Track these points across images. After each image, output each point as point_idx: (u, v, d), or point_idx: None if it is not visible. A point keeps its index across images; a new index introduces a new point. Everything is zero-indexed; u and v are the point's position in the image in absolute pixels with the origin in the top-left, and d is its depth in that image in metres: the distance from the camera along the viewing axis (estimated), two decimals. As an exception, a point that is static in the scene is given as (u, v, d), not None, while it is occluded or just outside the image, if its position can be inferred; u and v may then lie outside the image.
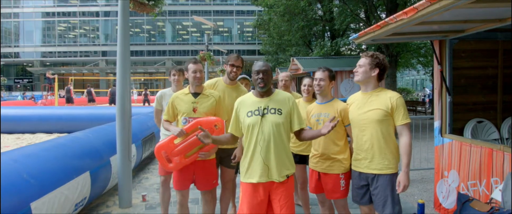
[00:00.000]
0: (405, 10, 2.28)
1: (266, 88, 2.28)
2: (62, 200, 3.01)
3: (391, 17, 2.47)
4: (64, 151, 3.50)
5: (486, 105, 3.76)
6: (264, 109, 2.26)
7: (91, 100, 18.15)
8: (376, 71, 2.41)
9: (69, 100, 18.09)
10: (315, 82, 2.68)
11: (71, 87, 19.08)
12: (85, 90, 18.75)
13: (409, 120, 2.36)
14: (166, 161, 2.72)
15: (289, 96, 2.34)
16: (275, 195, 2.24)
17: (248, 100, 2.36)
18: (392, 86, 10.94)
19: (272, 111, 2.26)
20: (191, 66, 2.83)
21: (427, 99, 19.20)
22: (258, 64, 2.32)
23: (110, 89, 18.68)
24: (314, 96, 3.36)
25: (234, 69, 3.01)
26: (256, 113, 2.26)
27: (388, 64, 2.47)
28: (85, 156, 3.70)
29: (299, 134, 2.34)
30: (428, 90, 21.60)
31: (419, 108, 15.41)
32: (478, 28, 2.92)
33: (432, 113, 13.23)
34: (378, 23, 2.66)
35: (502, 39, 3.73)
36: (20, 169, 2.72)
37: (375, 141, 2.35)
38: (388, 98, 2.34)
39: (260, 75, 2.26)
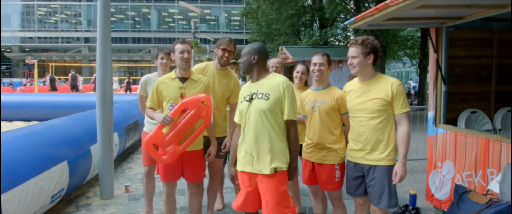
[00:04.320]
0: (408, -9, 2.14)
1: (243, 71, 2.24)
2: (36, 191, 2.79)
3: (392, -1, 2.33)
4: (39, 139, 3.26)
5: (479, 96, 3.70)
6: (254, 93, 2.14)
7: (53, 88, 17.14)
8: (371, 57, 2.27)
9: (54, 89, 17.22)
10: (314, 68, 2.52)
11: (55, 77, 18.18)
12: (47, 78, 17.70)
13: (408, 108, 2.25)
14: (159, 155, 2.50)
15: (282, 81, 2.12)
16: (261, 189, 2.08)
17: (244, 86, 2.27)
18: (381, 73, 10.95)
19: (260, 95, 2.11)
20: (178, 47, 2.59)
21: (412, 92, 19.44)
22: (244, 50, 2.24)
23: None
24: (306, 84, 3.21)
25: (226, 54, 2.82)
26: (247, 98, 2.15)
27: (379, 45, 2.33)
28: (63, 144, 3.47)
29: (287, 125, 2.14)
30: (412, 83, 21.86)
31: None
32: (479, 14, 2.81)
33: (418, 104, 13.37)
34: (377, 6, 2.52)
35: (497, 28, 3.66)
36: (-12, 158, 2.48)
37: (373, 131, 2.23)
38: (389, 85, 2.22)
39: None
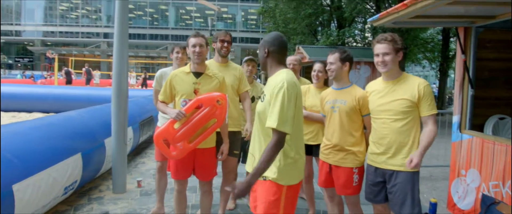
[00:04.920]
0: (440, -14, 2.01)
1: (262, 68, 1.98)
2: (49, 182, 2.78)
3: (422, -6, 2.19)
4: (54, 130, 3.27)
5: (509, 101, 3.50)
6: (261, 94, 1.95)
7: (69, 81, 17.66)
8: (401, 55, 2.15)
9: (69, 82, 17.75)
10: (327, 67, 2.43)
11: (71, 70, 18.80)
12: (63, 71, 18.28)
13: (436, 110, 2.11)
14: (168, 150, 2.45)
15: (280, 80, 1.76)
16: (257, 190, 1.88)
17: None
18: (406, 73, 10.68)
19: (260, 96, 1.94)
20: (191, 40, 2.53)
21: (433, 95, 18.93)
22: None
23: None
24: (326, 84, 3.10)
25: (225, 44, 2.85)
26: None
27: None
28: (77, 136, 3.47)
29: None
30: (435, 87, 21.27)
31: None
32: (513, 13, 2.63)
33: (438, 109, 12.97)
34: (405, 2, 2.38)
35: (531, 30, 3.44)
36: (4, 148, 2.48)
37: (397, 134, 2.11)
38: (416, 85, 2.08)
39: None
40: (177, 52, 3.18)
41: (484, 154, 2.91)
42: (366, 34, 16.76)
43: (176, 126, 2.45)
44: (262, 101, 1.90)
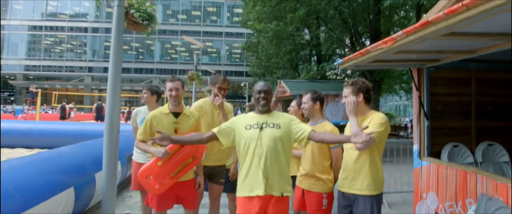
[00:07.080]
0: (385, 40, 2.48)
1: (267, 107, 2.38)
2: (45, 215, 2.97)
3: (372, 45, 2.66)
4: (50, 165, 3.49)
5: (461, 130, 3.97)
6: (263, 123, 2.32)
7: (63, 117, 17.74)
8: (361, 96, 2.51)
9: (64, 117, 17.76)
10: (301, 106, 2.86)
11: (66, 105, 18.90)
12: (59, 106, 18.46)
13: (375, 138, 2.33)
14: (151, 185, 2.68)
15: (287, 114, 2.48)
16: (272, 211, 2.22)
17: (247, 116, 2.45)
18: (375, 110, 11.23)
19: (271, 125, 2.32)
20: (167, 85, 2.82)
21: (409, 125, 19.72)
22: (260, 84, 2.44)
23: (95, 104, 18.41)
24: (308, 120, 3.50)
25: (222, 92, 3.12)
26: (255, 126, 2.32)
27: (370, 85, 2.61)
28: (71, 171, 3.68)
29: (312, 137, 2.32)
30: (410, 117, 22.20)
31: (401, 133, 15.83)
32: (452, 58, 3.16)
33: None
34: (361, 51, 2.85)
35: (474, 69, 4.01)
36: (6, 182, 2.69)
37: (356, 162, 2.44)
38: (372, 118, 2.45)
39: (262, 95, 2.37)
40: (144, 93, 3.57)
41: (440, 178, 3.30)
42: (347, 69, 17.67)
43: (160, 163, 2.69)
44: (278, 128, 2.31)
